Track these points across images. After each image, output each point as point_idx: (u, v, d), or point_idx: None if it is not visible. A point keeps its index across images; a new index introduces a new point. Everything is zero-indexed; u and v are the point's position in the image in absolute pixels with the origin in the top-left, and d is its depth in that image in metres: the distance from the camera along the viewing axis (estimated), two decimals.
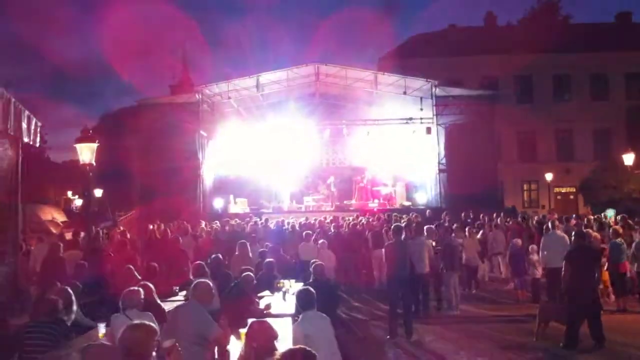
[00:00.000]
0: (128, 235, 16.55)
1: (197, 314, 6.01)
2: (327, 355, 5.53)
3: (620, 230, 12.93)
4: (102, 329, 6.34)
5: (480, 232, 15.71)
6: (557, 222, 13.89)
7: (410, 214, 19.76)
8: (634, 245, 12.35)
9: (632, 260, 12.29)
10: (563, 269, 9.56)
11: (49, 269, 11.18)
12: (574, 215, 19.98)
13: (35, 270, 12.38)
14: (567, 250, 10.45)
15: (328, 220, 18.90)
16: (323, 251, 12.74)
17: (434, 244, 12.86)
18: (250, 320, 5.49)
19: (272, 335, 4.79)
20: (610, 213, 19.96)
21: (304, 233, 14.52)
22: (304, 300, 6.13)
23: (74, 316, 6.93)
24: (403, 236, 11.05)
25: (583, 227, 13.91)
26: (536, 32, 36.60)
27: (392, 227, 11.66)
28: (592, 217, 19.17)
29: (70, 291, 7.05)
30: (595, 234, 13.11)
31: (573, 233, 10.58)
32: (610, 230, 13.10)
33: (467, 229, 15.28)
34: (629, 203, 25.57)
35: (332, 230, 16.26)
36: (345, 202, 27.51)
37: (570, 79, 38.10)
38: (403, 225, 13.98)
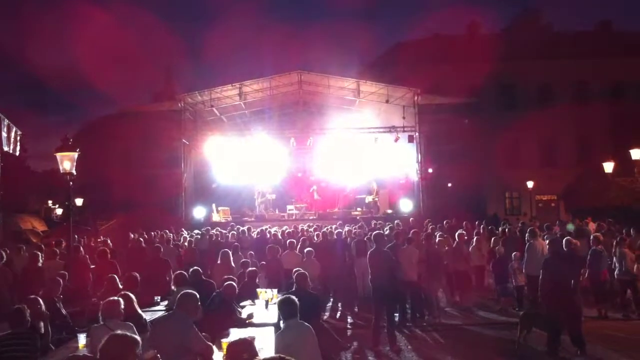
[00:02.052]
0: (110, 244, 16.44)
1: (182, 325, 5.96)
2: None
3: (601, 238, 13.04)
4: (82, 339, 6.27)
5: (493, 239, 15.49)
6: (537, 230, 13.96)
7: (394, 222, 19.77)
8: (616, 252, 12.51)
9: (613, 267, 12.43)
10: (540, 276, 9.62)
11: (28, 279, 11.06)
12: (557, 222, 20.09)
13: (15, 279, 12.21)
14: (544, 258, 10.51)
15: (312, 229, 18.83)
16: (308, 260, 12.61)
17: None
18: (229, 340, 5.46)
19: (253, 352, 4.74)
20: (570, 226, 19.87)
21: (287, 242, 14.42)
22: (286, 310, 6.09)
23: (43, 324, 6.85)
24: (389, 244, 11.08)
25: (559, 235, 13.99)
26: (519, 40, 37.00)
27: (373, 234, 11.64)
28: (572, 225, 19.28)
29: (41, 301, 6.96)
30: (575, 241, 13.17)
31: (547, 242, 10.64)
32: (591, 238, 13.18)
33: (438, 235, 15.17)
34: (610, 211, 25.79)
35: (316, 239, 16.20)
36: (328, 210, 27.50)
37: (553, 86, 38.42)
38: (386, 233, 14.03)
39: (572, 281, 9.57)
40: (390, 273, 10.40)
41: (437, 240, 14.16)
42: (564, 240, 12.08)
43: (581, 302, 9.91)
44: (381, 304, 10.46)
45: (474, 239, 15.88)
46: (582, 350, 9.19)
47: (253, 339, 5.70)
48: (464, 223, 18.33)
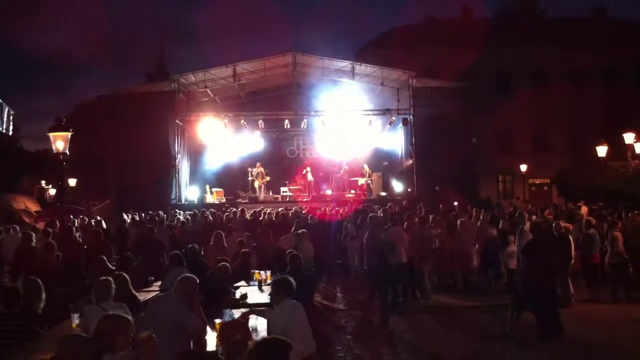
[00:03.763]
0: (104, 225, 16.44)
1: (176, 306, 5.96)
2: (303, 344, 5.52)
3: (594, 222, 13.10)
4: (75, 319, 6.27)
5: (501, 222, 15.43)
6: (526, 214, 14.02)
7: (387, 205, 19.81)
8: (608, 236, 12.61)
9: (605, 251, 12.53)
10: (521, 261, 9.66)
11: (22, 258, 11.05)
12: (552, 206, 20.14)
13: (7, 260, 12.21)
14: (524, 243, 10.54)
15: (304, 211, 18.85)
16: (304, 241, 12.55)
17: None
18: (222, 320, 5.47)
19: (246, 334, 4.76)
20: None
21: (295, 223, 14.19)
22: (280, 290, 6.09)
23: (42, 305, 6.81)
24: (383, 226, 11.10)
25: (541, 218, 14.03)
26: (514, 25, 36.86)
27: (369, 217, 11.66)
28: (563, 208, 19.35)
29: (39, 281, 6.94)
30: (566, 225, 13.20)
31: (528, 225, 10.66)
32: (584, 222, 13.23)
33: (431, 218, 15.18)
34: (602, 194, 25.85)
35: (310, 220, 16.22)
36: (321, 192, 27.54)
37: (547, 71, 38.27)
38: (380, 215, 14.05)
39: (554, 266, 9.58)
40: (384, 255, 10.45)
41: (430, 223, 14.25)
42: (553, 224, 12.21)
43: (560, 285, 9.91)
44: (375, 285, 10.51)
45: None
46: (558, 333, 9.18)
47: (247, 319, 5.74)
48: (455, 205, 18.31)
